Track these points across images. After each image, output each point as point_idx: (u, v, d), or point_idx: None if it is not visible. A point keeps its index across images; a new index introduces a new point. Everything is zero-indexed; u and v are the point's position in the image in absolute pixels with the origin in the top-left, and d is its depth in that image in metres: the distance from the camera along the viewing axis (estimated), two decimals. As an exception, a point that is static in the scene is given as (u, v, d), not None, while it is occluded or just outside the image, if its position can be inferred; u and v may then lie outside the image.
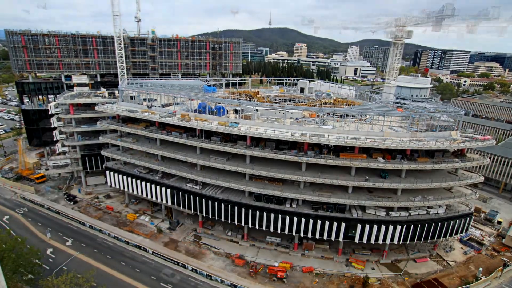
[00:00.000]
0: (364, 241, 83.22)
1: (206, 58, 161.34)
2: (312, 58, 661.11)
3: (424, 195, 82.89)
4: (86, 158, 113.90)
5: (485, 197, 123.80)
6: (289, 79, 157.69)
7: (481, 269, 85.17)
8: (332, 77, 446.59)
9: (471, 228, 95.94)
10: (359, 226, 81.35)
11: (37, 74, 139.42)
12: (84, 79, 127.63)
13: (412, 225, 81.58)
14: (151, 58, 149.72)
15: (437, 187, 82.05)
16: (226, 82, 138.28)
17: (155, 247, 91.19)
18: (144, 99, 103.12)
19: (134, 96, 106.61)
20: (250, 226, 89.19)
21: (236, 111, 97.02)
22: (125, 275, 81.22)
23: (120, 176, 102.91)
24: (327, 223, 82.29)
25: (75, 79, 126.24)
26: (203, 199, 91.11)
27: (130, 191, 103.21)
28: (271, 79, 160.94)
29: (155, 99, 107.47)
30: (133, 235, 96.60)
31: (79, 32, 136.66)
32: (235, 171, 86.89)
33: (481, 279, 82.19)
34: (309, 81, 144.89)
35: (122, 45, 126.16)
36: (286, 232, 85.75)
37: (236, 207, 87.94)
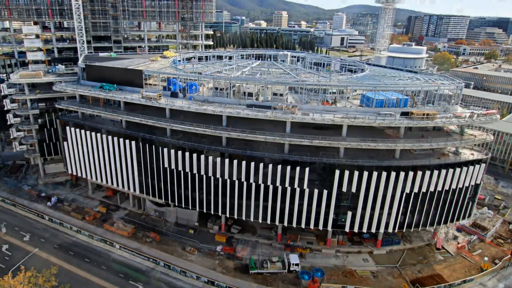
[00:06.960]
0: (356, 229, 79.66)
1: (174, 6, 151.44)
2: (294, 27, 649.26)
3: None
4: (44, 143, 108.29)
5: (488, 178, 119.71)
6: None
7: (486, 258, 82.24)
8: (316, 48, 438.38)
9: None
10: (349, 213, 77.75)
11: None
12: (40, 55, 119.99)
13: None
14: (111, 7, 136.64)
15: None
16: (199, 56, 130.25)
17: (123, 241, 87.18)
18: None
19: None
20: (228, 215, 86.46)
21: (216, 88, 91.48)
22: (90, 273, 77.75)
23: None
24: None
25: (30, 56, 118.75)
26: (175, 185, 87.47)
27: (94, 178, 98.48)
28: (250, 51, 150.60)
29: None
30: (98, 228, 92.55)
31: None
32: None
33: (486, 269, 79.51)
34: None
35: (82, 17, 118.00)
36: (269, 221, 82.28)
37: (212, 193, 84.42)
